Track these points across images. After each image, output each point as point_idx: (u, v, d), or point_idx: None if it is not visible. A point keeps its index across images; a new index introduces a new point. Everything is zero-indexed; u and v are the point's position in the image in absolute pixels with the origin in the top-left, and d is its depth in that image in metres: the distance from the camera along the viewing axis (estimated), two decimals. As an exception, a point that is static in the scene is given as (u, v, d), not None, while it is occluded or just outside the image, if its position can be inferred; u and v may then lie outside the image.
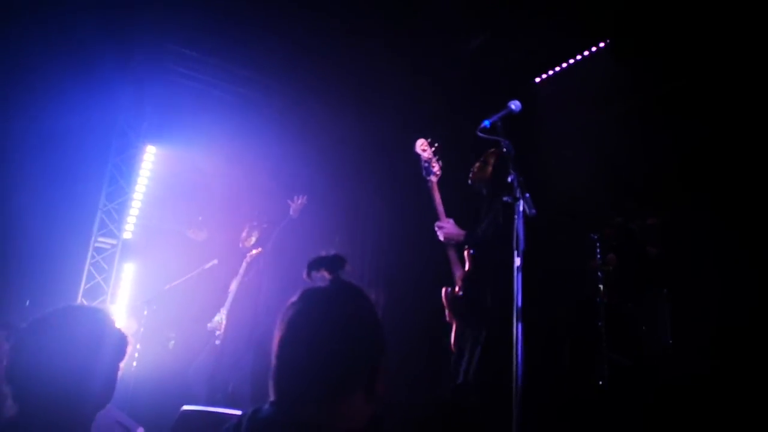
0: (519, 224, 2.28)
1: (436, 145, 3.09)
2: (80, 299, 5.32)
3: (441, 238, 2.98)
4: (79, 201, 5.35)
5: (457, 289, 2.94)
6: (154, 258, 5.70)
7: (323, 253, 1.40)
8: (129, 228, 5.77)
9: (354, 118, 5.59)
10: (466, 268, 2.92)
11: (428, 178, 3.03)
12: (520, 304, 2.10)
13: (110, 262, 5.62)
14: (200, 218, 5.81)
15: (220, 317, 5.04)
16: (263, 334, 5.22)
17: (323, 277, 1.37)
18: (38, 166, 4.84)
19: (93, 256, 5.53)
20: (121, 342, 1.67)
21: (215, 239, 5.61)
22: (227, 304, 5.08)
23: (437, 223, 2.98)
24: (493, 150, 3.09)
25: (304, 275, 1.37)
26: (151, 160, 5.89)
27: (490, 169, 3.13)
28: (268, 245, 5.23)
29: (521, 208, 2.32)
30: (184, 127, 5.68)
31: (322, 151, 5.87)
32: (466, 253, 2.94)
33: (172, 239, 5.77)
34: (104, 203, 5.67)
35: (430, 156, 3.06)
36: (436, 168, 3.05)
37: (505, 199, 2.34)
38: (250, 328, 5.08)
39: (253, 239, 5.25)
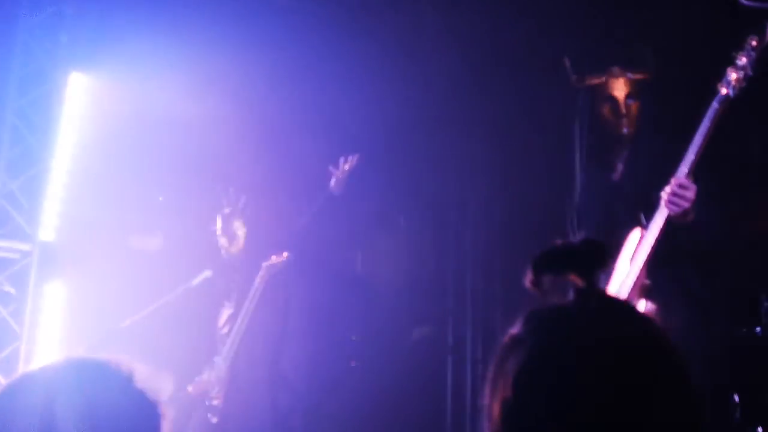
0: None
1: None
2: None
3: (671, 205, 2.89)
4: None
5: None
6: (98, 273, 5.45)
7: (559, 242, 1.36)
8: (49, 222, 5.53)
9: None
10: (640, 263, 2.95)
11: (723, 98, 2.86)
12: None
13: (21, 284, 5.40)
14: (161, 198, 5.79)
15: (213, 375, 5.06)
16: (293, 400, 5.36)
17: (565, 285, 1.29)
18: None
19: (-8, 275, 5.31)
20: (149, 417, 1.57)
21: (185, 243, 5.57)
22: (225, 353, 5.07)
23: (680, 181, 2.87)
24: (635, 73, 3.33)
25: (527, 282, 1.31)
26: (78, 100, 5.69)
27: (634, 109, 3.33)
28: (293, 241, 5.26)
29: None
30: (131, 40, 5.40)
31: (377, 73, 5.66)
32: (649, 239, 2.97)
33: (121, 240, 5.71)
34: (4, 181, 5.38)
35: (751, 65, 2.87)
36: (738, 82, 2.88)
37: None
38: (269, 391, 5.21)
39: (240, 234, 5.25)
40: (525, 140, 5.48)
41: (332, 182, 5.13)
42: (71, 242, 5.54)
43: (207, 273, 5.18)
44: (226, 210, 5.24)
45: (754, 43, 2.87)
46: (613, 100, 3.37)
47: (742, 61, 2.88)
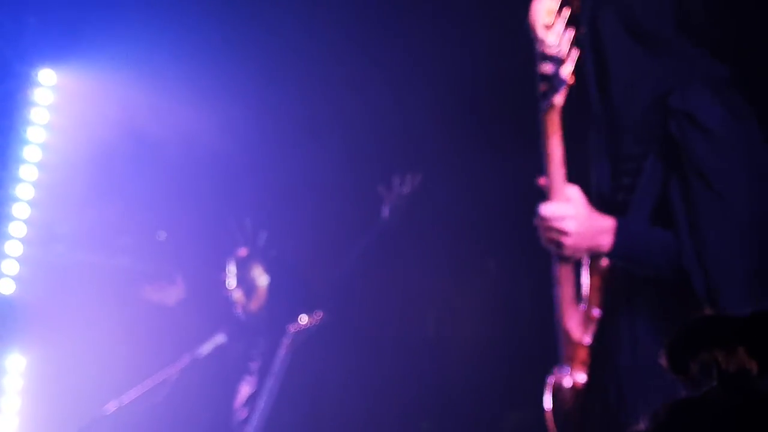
0: None
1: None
2: None
3: (556, 246, 2.88)
4: None
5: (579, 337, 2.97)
6: (72, 338, 5.49)
7: (712, 313, 1.63)
8: (8, 269, 5.66)
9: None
10: (598, 296, 2.94)
11: (547, 101, 2.95)
12: None
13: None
14: (163, 234, 5.89)
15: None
16: None
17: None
18: None
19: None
20: None
21: (189, 297, 5.73)
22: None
23: (547, 209, 2.87)
24: None
25: (669, 366, 1.41)
26: (47, 105, 5.81)
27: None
28: (334, 295, 5.33)
29: None
30: (118, 26, 5.54)
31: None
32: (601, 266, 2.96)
33: (106, 288, 5.66)
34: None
35: (562, 47, 2.92)
36: (564, 76, 2.95)
37: None
38: None
39: (261, 285, 5.26)
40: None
41: (385, 211, 5.12)
42: (36, 297, 5.65)
43: (219, 338, 5.18)
44: (242, 252, 5.25)
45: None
46: None
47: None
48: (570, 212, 2.83)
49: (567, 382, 2.99)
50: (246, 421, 5.06)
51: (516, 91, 5.36)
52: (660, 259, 2.80)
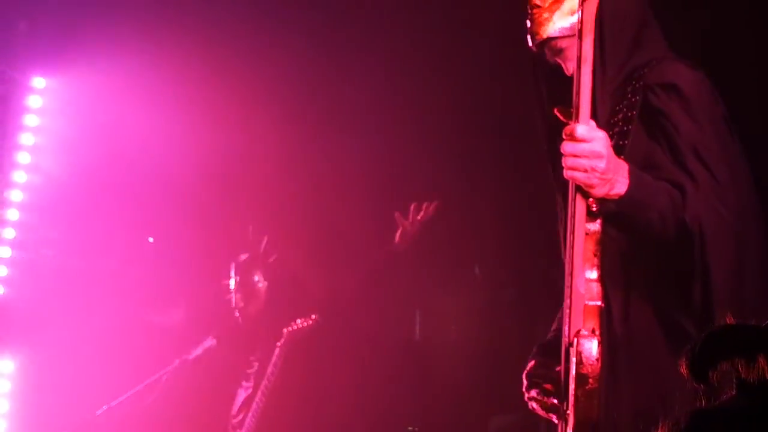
0: None
1: None
2: None
3: (571, 173, 2.68)
4: None
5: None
6: (61, 341, 5.50)
7: (734, 321, 1.45)
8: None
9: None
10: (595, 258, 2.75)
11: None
12: None
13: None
14: (150, 239, 6.00)
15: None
16: None
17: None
18: None
19: None
20: None
21: (183, 300, 5.77)
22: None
23: (584, 129, 2.66)
24: None
25: (688, 374, 1.38)
26: (39, 107, 5.86)
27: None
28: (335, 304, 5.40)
29: None
30: (114, 34, 5.51)
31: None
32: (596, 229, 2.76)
33: (95, 292, 5.66)
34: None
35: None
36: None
37: None
38: None
39: (261, 289, 5.29)
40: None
41: (397, 235, 5.13)
42: (27, 299, 5.59)
43: (212, 341, 5.16)
44: (243, 256, 5.21)
45: None
46: None
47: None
48: (604, 140, 2.69)
49: (589, 350, 2.72)
50: (240, 424, 5.04)
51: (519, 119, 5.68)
52: (665, 206, 2.70)
